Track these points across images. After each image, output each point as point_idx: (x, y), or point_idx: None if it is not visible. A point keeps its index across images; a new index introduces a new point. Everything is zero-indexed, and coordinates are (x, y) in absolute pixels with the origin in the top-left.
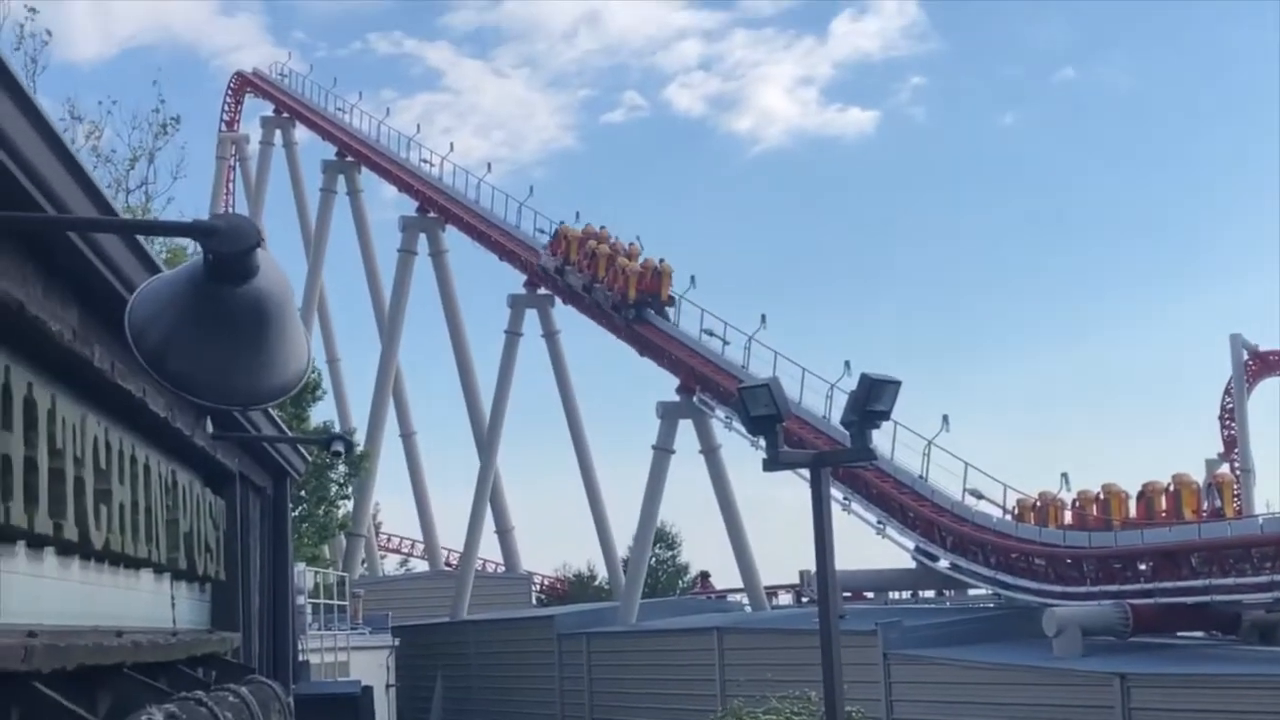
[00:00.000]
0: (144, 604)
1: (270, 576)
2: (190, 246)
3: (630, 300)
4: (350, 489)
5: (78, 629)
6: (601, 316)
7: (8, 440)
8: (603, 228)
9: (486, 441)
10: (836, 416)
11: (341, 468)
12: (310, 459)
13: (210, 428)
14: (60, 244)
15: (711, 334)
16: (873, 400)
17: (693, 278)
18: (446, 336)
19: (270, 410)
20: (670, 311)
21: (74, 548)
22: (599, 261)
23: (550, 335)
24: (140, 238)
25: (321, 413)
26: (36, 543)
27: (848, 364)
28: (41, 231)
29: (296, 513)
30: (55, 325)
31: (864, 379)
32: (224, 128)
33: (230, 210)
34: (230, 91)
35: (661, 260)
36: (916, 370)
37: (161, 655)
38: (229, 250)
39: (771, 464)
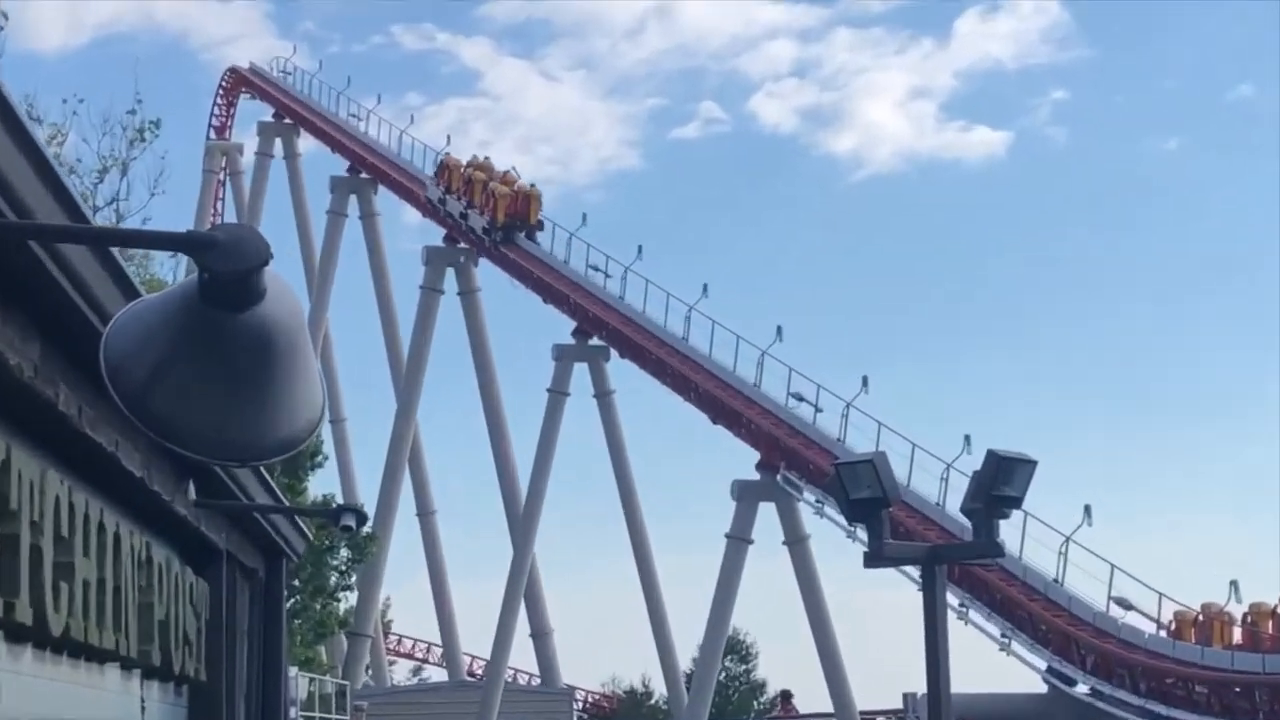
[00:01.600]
0: (108, 707)
1: (259, 679)
2: (170, 268)
3: (499, 224)
4: (354, 579)
5: None
6: (475, 242)
7: None
8: (486, 158)
9: (522, 524)
10: (954, 503)
11: (344, 552)
12: (311, 538)
13: (193, 493)
14: (21, 258)
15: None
16: (1001, 483)
17: (780, 330)
18: (476, 394)
19: (266, 474)
20: (540, 237)
21: (27, 633)
22: (474, 187)
23: (603, 396)
24: (118, 254)
25: (321, 484)
26: None
27: (968, 439)
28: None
29: (290, 605)
30: (12, 359)
31: (991, 457)
32: (213, 134)
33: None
34: (222, 91)
35: (531, 185)
36: (1051, 449)
37: None
38: (231, 268)
39: (875, 559)
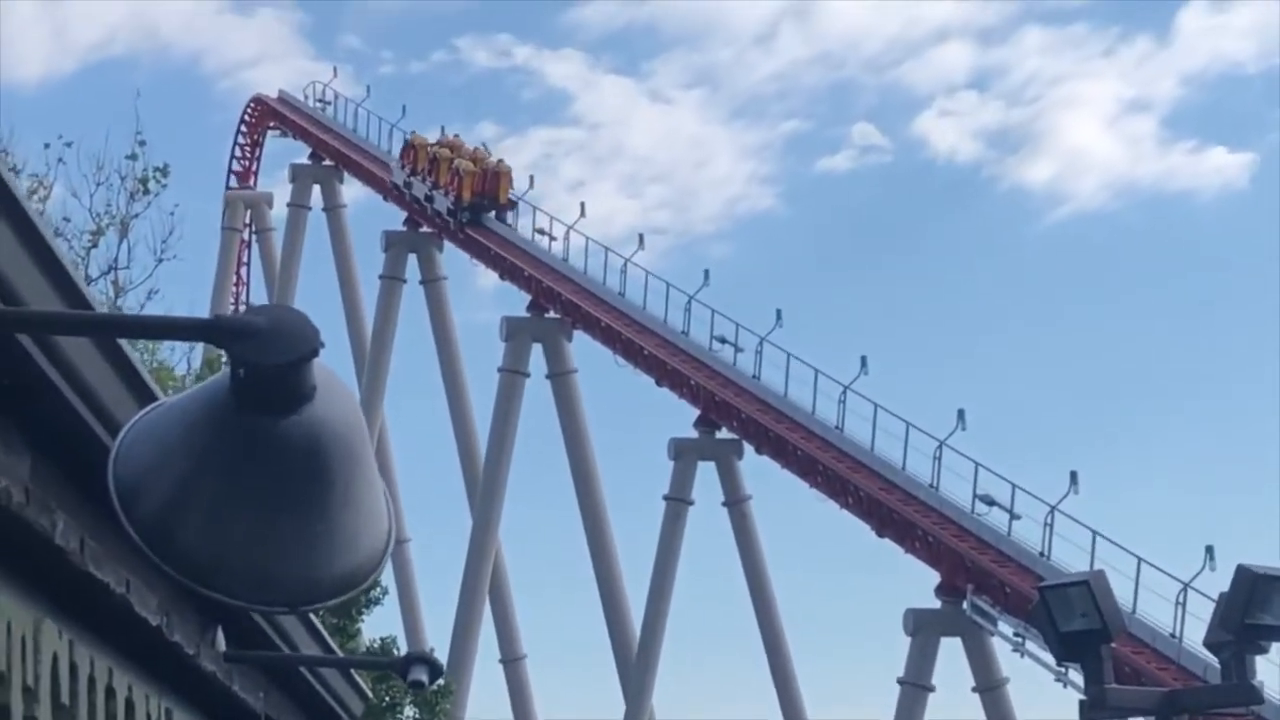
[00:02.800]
0: None
1: None
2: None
3: (465, 203)
4: None
5: None
6: (435, 224)
7: None
8: (456, 135)
9: (637, 670)
10: (1194, 634)
11: (409, 711)
12: (369, 695)
13: (223, 644)
14: (6, 354)
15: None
16: (1257, 607)
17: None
18: (574, 505)
19: (315, 619)
20: (510, 216)
21: None
22: (440, 166)
23: (736, 504)
24: (127, 345)
25: (377, 625)
26: None
27: (1210, 550)
28: None
29: None
30: (0, 481)
31: (1242, 574)
32: (235, 182)
33: (244, 306)
34: (245, 128)
35: (500, 160)
36: None
37: None
38: (272, 361)
39: (1095, 709)
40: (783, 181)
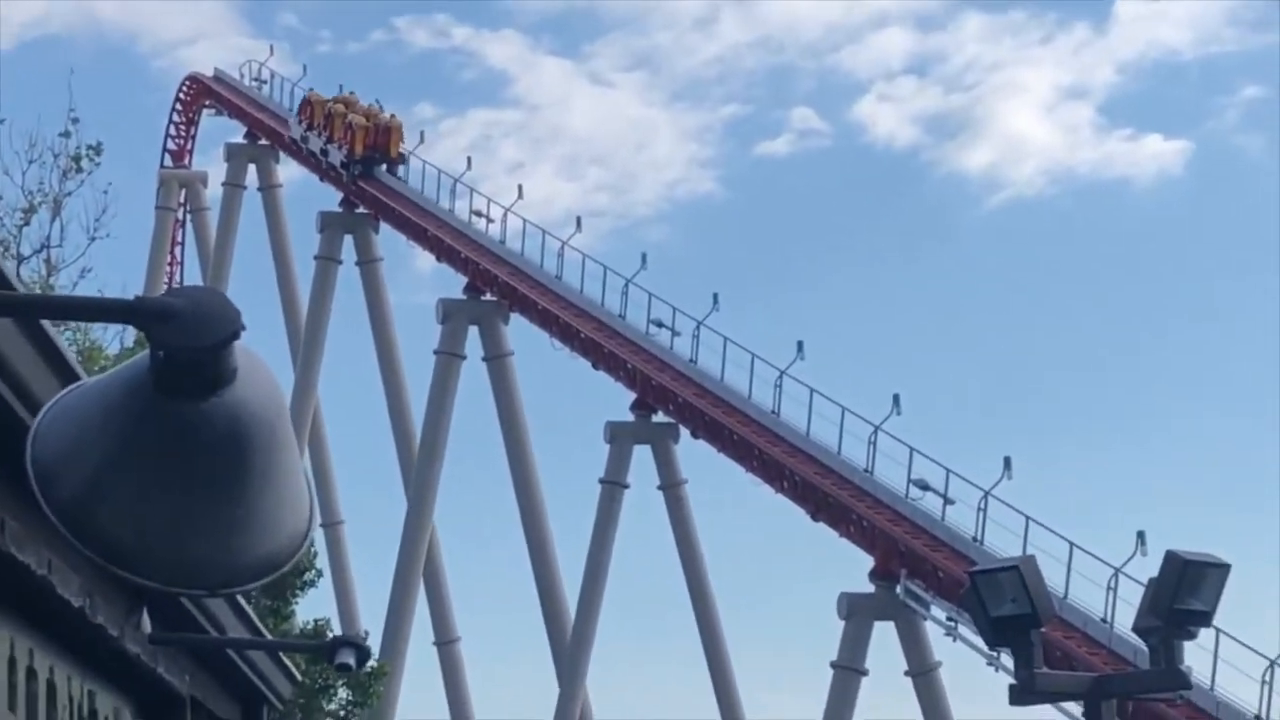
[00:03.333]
0: None
1: None
2: (116, 333)
3: (357, 156)
4: None
5: None
6: (334, 179)
7: None
8: (352, 93)
9: (570, 653)
10: (1124, 619)
11: (343, 693)
12: (299, 678)
13: (148, 626)
14: None
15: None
16: (1186, 594)
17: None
18: (510, 487)
19: (243, 601)
20: (401, 170)
21: None
22: (334, 121)
23: (671, 487)
24: (49, 326)
25: (312, 606)
26: None
27: (1141, 536)
28: None
29: None
30: None
31: (1171, 560)
32: (169, 161)
33: (178, 285)
34: (180, 106)
35: (392, 115)
36: (1249, 549)
37: None
38: (191, 344)
39: (1024, 693)
40: (722, 165)
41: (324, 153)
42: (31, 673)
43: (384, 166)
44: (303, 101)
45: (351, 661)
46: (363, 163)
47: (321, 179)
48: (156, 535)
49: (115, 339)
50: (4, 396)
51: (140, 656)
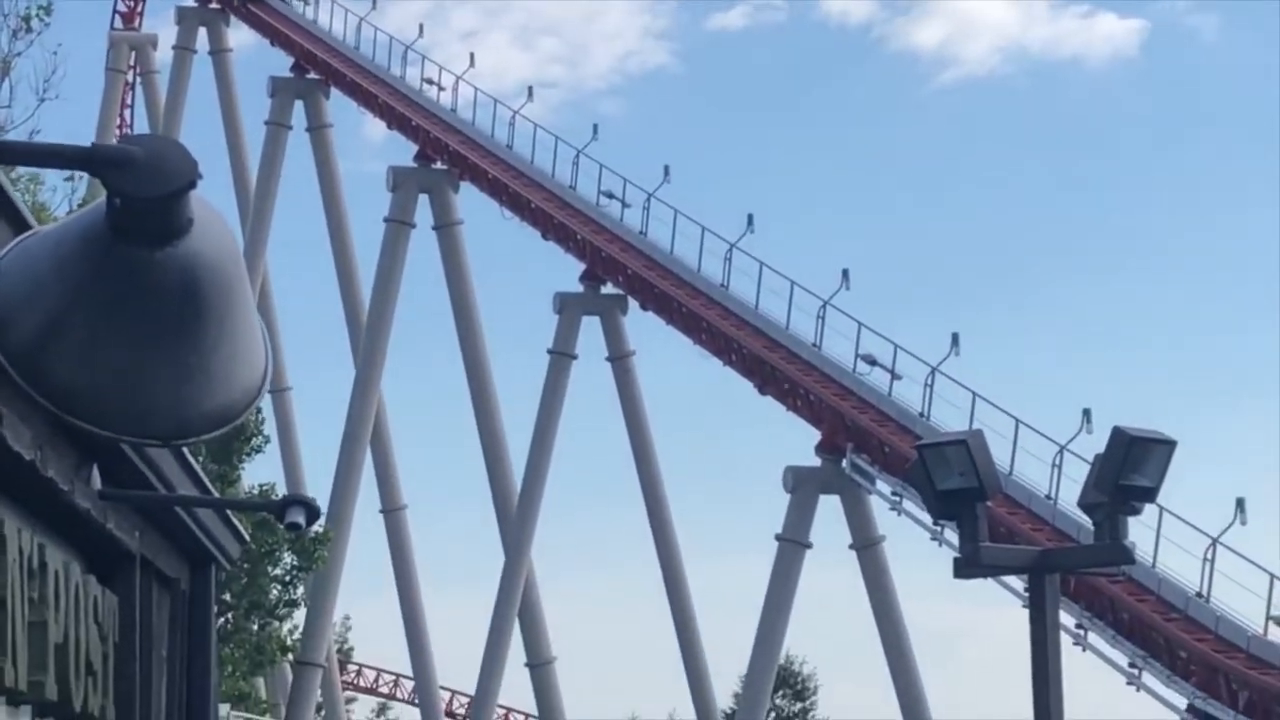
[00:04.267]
0: None
1: (182, 718)
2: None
3: None
4: (301, 592)
5: None
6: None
7: None
8: None
9: (516, 522)
10: (1069, 495)
11: (288, 558)
12: (247, 540)
13: (98, 481)
14: None
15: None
16: (1131, 470)
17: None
18: (458, 356)
19: (191, 458)
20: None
21: None
22: None
23: (620, 359)
24: (4, 175)
25: (258, 471)
26: None
27: (1087, 414)
28: None
29: (221, 625)
30: None
31: (1118, 436)
32: (120, 23)
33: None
34: None
35: None
36: (1194, 427)
37: None
38: (149, 192)
39: (968, 567)
40: (675, 38)
41: None
42: None
43: None
44: None
45: (302, 520)
46: None
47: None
48: (110, 383)
49: (64, 200)
50: None
51: (90, 512)
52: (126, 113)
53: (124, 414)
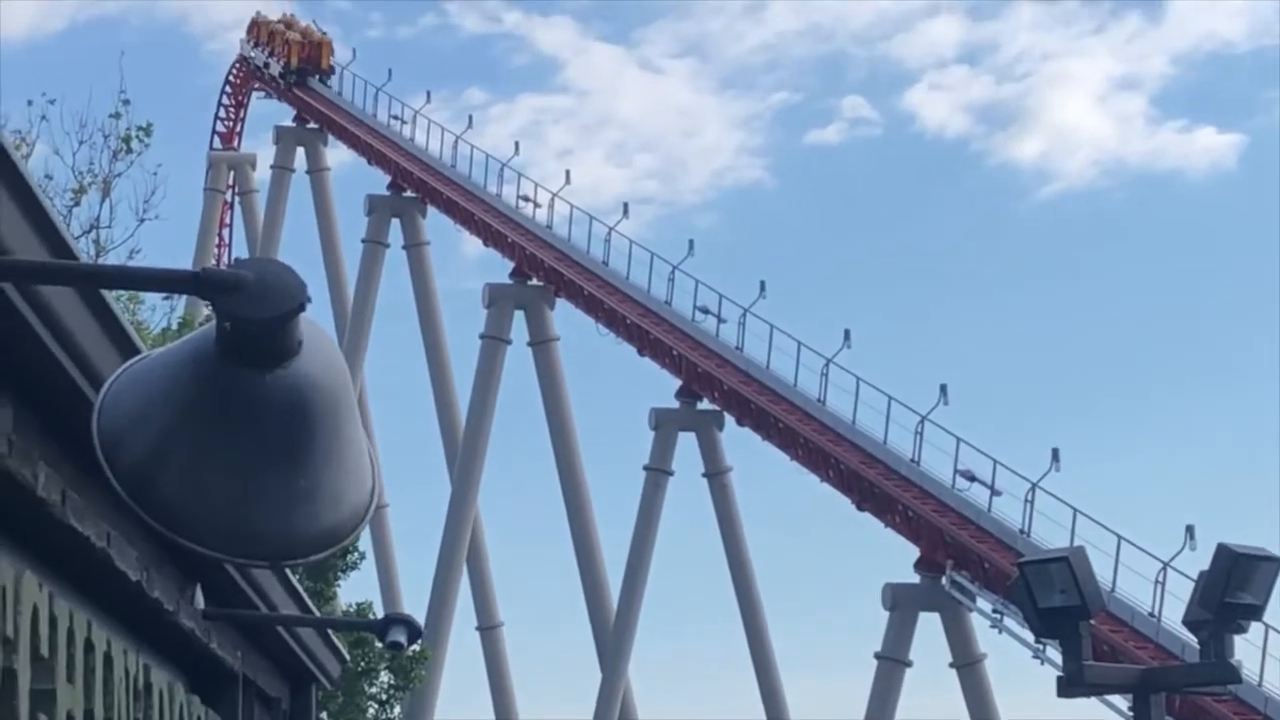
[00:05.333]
0: None
1: None
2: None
3: (293, 68)
4: (398, 711)
5: None
6: (273, 87)
7: None
8: (291, 15)
9: (613, 641)
10: (1174, 614)
11: (385, 677)
12: (346, 658)
13: (202, 601)
14: None
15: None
16: (1236, 587)
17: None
18: (554, 473)
19: (291, 578)
20: (333, 81)
21: None
22: (275, 38)
23: (717, 475)
24: (111, 297)
25: (353, 590)
26: None
27: (1190, 530)
28: None
29: None
30: None
31: (1222, 553)
32: (218, 144)
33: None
34: (230, 89)
35: (324, 33)
36: None
37: None
38: (259, 315)
39: (1073, 685)
40: (771, 153)
41: (265, 65)
42: (90, 645)
43: (316, 76)
44: (250, 22)
45: (404, 639)
46: (297, 73)
47: (264, 88)
48: (218, 504)
49: (163, 318)
50: (65, 368)
51: (194, 632)
52: (225, 231)
53: (231, 535)
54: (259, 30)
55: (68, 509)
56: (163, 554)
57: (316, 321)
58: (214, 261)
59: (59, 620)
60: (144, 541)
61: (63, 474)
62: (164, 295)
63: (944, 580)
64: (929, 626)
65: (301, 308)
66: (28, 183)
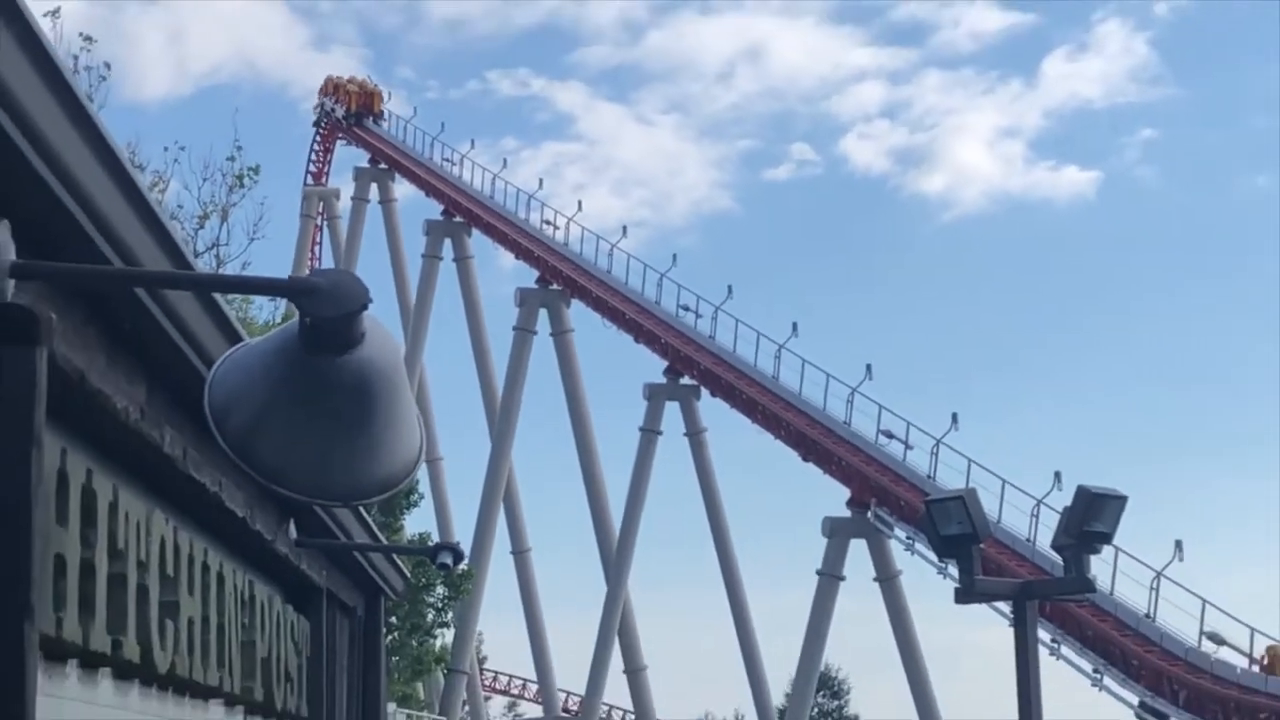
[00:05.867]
0: None
1: (359, 715)
2: (270, 310)
3: (351, 111)
4: (450, 616)
5: None
6: (339, 127)
7: (62, 538)
8: (358, 75)
9: (615, 561)
10: (1044, 540)
11: (440, 590)
12: (408, 576)
13: (294, 532)
14: (128, 304)
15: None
16: (1091, 519)
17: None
18: (569, 433)
19: (364, 514)
20: (383, 123)
21: (134, 670)
22: (339, 89)
23: (695, 434)
24: (222, 299)
25: (416, 523)
26: (91, 662)
27: (1058, 475)
28: (107, 289)
29: (388, 642)
30: (120, 402)
31: (1081, 493)
32: (310, 180)
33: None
34: (320, 136)
35: (376, 86)
36: (1142, 484)
37: None
38: (331, 313)
39: (966, 595)
40: (737, 187)
41: (331, 110)
42: (206, 566)
43: (370, 119)
44: (325, 79)
45: (450, 561)
46: (356, 116)
47: (348, 141)
48: (303, 458)
49: (267, 315)
50: (185, 353)
51: (288, 556)
52: (316, 249)
53: (313, 482)
54: (329, 85)
55: (188, 462)
56: (263, 496)
57: (378, 318)
58: (306, 273)
59: (181, 548)
60: (248, 486)
61: (184, 435)
62: (269, 298)
63: (869, 514)
64: (858, 550)
65: (364, 307)
66: (155, 213)
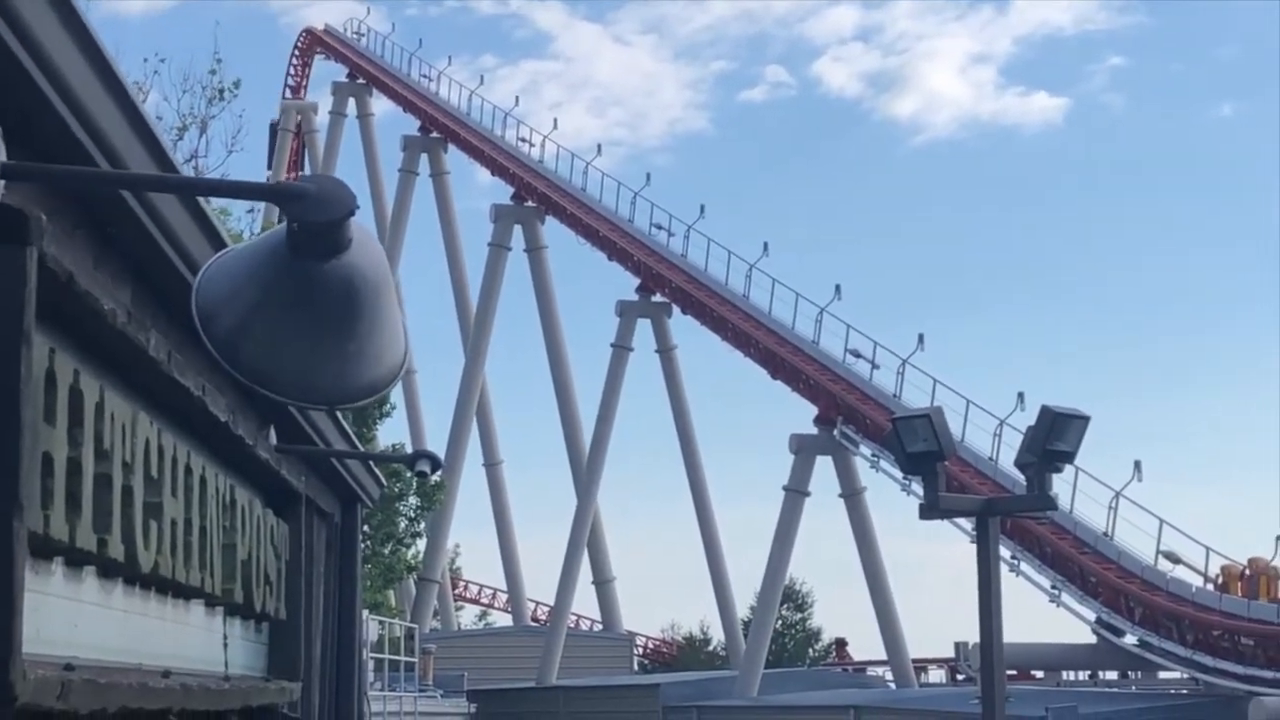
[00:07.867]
0: (193, 642)
1: (335, 619)
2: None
3: None
4: (423, 526)
5: (120, 665)
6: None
7: (50, 436)
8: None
9: (585, 474)
10: (1007, 459)
11: (414, 500)
12: (384, 485)
13: (275, 438)
14: (113, 207)
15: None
16: (1054, 438)
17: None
18: (542, 348)
19: (343, 421)
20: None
21: (118, 569)
22: None
23: (666, 351)
24: (205, 204)
25: (389, 434)
26: (76, 560)
27: (1021, 396)
28: (96, 191)
29: (362, 550)
30: (107, 304)
31: (1045, 413)
32: (289, 94)
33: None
34: (297, 52)
35: None
36: (1103, 405)
37: (213, 703)
38: (319, 219)
39: (929, 510)
40: (712, 108)
41: None
42: (189, 469)
43: None
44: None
45: (428, 469)
46: None
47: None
48: (288, 362)
49: (247, 229)
50: (170, 258)
51: (269, 461)
52: (294, 161)
53: (297, 385)
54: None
55: (172, 366)
56: (245, 401)
57: (363, 225)
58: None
59: (165, 450)
60: (231, 391)
61: (169, 338)
62: (248, 209)
63: (835, 432)
64: (824, 467)
65: (351, 213)
66: (144, 116)
